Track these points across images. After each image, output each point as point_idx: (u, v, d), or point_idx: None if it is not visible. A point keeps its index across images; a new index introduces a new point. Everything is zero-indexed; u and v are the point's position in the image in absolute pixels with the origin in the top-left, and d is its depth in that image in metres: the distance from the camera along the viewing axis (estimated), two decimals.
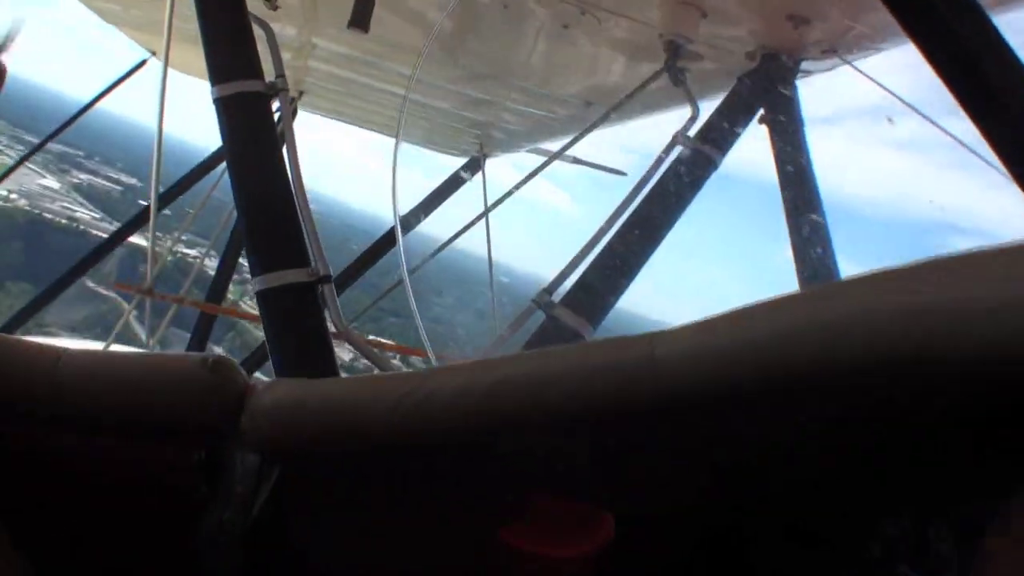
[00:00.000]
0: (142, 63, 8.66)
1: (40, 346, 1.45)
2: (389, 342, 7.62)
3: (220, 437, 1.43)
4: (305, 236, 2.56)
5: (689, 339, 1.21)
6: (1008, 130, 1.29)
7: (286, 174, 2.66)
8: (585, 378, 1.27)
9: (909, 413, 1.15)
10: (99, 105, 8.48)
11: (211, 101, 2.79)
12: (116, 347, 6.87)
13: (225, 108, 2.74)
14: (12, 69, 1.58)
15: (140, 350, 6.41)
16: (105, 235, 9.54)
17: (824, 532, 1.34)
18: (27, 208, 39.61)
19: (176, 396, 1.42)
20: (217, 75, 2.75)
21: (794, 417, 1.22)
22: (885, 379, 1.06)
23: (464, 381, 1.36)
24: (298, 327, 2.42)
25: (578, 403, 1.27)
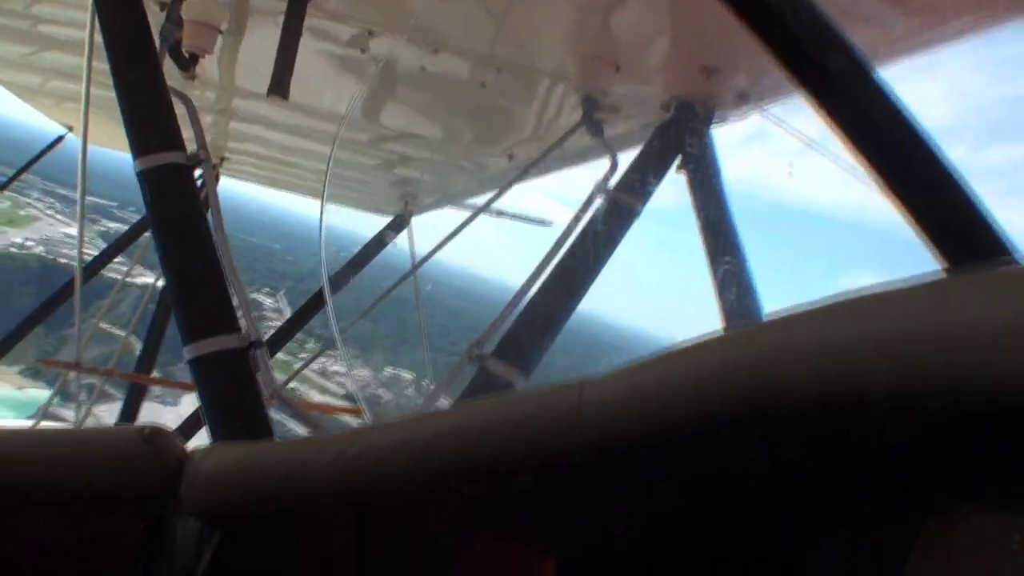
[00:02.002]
0: (60, 139, 8.61)
1: None
2: (325, 404, 7.56)
3: (160, 507, 1.43)
4: (234, 302, 2.57)
5: (616, 384, 1.24)
6: (900, 179, 1.35)
7: (212, 242, 2.67)
8: (514, 428, 1.29)
9: (832, 444, 1.19)
10: None
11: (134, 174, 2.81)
12: (46, 424, 6.72)
13: (148, 180, 2.75)
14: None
15: (74, 427, 6.26)
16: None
17: (758, 556, 1.37)
18: (42, 254, 40.05)
19: (113, 470, 1.42)
20: (138, 148, 2.76)
21: (722, 454, 1.25)
22: (805, 414, 1.10)
23: (398, 436, 1.38)
24: (232, 394, 2.42)
25: (509, 453, 1.30)
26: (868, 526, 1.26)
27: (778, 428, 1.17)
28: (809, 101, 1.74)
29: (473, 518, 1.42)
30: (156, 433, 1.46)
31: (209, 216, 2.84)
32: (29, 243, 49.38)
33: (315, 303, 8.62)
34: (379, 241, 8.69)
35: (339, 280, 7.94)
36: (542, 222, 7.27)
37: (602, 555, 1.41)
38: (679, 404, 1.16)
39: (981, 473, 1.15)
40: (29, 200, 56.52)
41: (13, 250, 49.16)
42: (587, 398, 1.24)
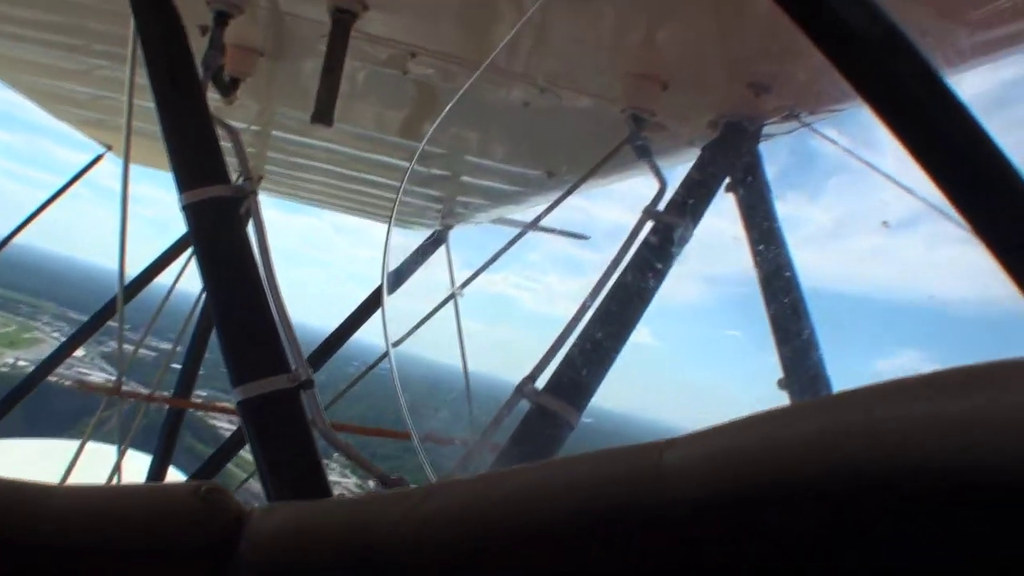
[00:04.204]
0: (99, 157, 8.63)
1: (29, 484, 1.41)
2: (376, 428, 7.48)
3: (217, 566, 1.39)
4: (283, 340, 2.53)
5: (701, 445, 1.18)
6: (972, 194, 1.28)
7: (259, 278, 2.62)
8: (591, 491, 1.24)
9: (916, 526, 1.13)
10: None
11: (179, 208, 2.77)
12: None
13: (194, 215, 2.71)
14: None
15: (130, 483, 6.23)
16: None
17: None
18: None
19: (169, 529, 1.38)
20: (184, 182, 2.72)
21: (804, 528, 1.19)
22: (917, 489, 1.03)
23: (467, 498, 1.33)
24: (283, 435, 2.37)
25: (585, 517, 1.25)
26: None
27: (885, 501, 1.10)
28: (876, 113, 1.67)
29: None
30: (213, 491, 1.42)
31: (256, 250, 2.80)
32: (21, 363, 49.93)
33: (362, 315, 8.59)
34: (418, 256, 8.64)
35: (375, 299, 7.90)
36: (582, 236, 7.21)
37: None
38: (781, 468, 1.10)
39: None
40: (37, 325, 57.75)
41: (3, 369, 49.87)
42: (669, 460, 1.18)
